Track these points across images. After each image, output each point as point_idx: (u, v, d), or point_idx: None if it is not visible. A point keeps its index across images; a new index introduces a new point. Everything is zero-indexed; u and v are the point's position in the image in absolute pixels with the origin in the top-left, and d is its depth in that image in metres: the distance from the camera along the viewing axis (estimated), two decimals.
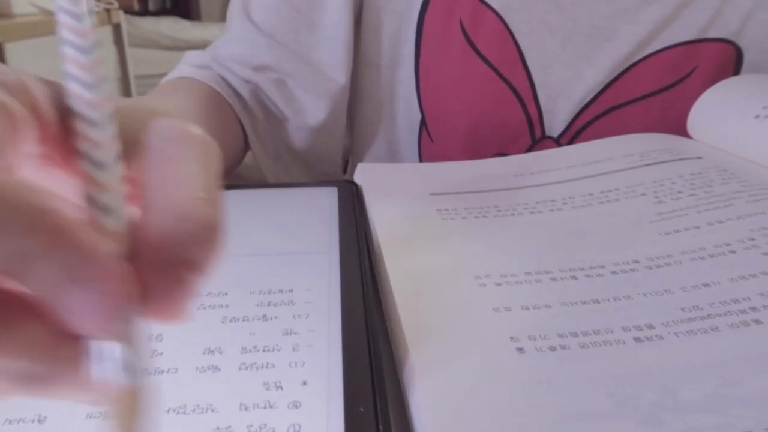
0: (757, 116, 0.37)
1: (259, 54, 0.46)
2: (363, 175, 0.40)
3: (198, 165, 0.13)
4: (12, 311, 0.11)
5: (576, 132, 0.48)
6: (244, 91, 0.47)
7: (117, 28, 1.85)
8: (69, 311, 0.11)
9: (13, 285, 0.11)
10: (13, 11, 1.40)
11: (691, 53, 0.45)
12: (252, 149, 0.48)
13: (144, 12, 2.47)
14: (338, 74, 0.47)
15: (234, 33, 0.47)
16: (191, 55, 0.49)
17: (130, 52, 1.94)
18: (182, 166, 0.13)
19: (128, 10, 1.99)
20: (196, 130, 0.14)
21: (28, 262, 0.10)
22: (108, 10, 1.71)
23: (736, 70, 0.45)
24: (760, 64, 0.44)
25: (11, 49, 1.64)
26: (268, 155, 0.49)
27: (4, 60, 1.65)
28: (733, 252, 0.27)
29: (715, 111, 0.41)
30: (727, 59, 0.45)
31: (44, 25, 1.46)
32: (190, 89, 0.45)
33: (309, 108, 0.48)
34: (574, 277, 0.27)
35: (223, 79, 0.47)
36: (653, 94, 0.46)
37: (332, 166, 0.53)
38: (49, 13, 1.47)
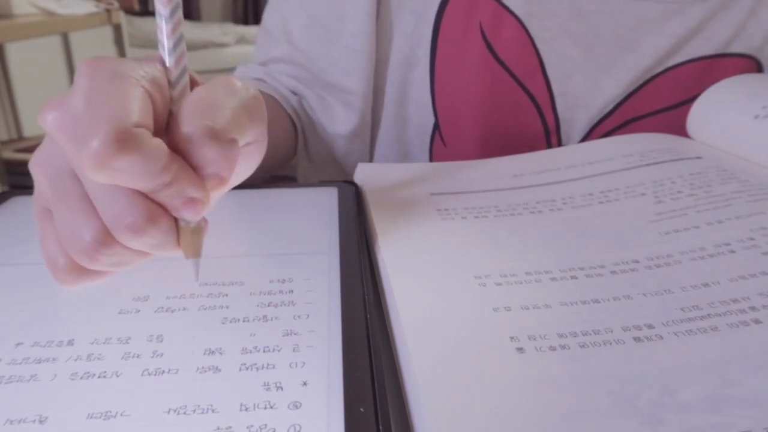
0: (756, 116, 0.37)
1: (300, 72, 0.50)
2: (363, 175, 0.40)
3: (223, 94, 0.21)
4: (157, 210, 0.19)
5: None
6: (293, 101, 0.50)
7: (117, 29, 1.85)
8: (178, 210, 0.20)
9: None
10: (13, 11, 1.41)
11: (712, 68, 0.44)
12: (297, 150, 0.52)
13: (144, 12, 2.47)
14: (358, 84, 0.48)
15: (278, 53, 0.51)
16: (243, 69, 0.53)
17: (130, 52, 1.95)
18: (214, 92, 0.21)
19: (128, 11, 2.00)
20: (236, 80, 0.22)
21: (163, 189, 0.19)
22: (108, 11, 1.71)
23: None
24: None
25: (11, 49, 1.64)
26: (308, 158, 0.52)
27: (4, 60, 1.65)
28: (733, 252, 0.27)
29: (715, 111, 0.41)
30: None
31: (44, 25, 1.46)
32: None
33: (340, 118, 0.50)
34: (574, 277, 0.27)
35: (276, 89, 0.51)
36: (672, 107, 0.46)
37: None
38: (49, 13, 1.47)
